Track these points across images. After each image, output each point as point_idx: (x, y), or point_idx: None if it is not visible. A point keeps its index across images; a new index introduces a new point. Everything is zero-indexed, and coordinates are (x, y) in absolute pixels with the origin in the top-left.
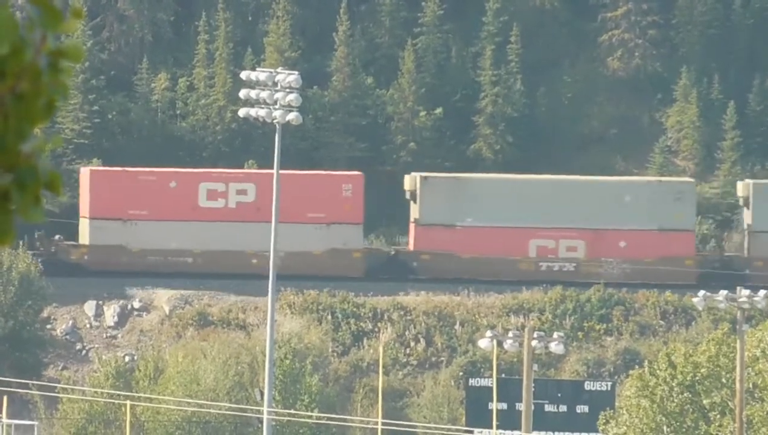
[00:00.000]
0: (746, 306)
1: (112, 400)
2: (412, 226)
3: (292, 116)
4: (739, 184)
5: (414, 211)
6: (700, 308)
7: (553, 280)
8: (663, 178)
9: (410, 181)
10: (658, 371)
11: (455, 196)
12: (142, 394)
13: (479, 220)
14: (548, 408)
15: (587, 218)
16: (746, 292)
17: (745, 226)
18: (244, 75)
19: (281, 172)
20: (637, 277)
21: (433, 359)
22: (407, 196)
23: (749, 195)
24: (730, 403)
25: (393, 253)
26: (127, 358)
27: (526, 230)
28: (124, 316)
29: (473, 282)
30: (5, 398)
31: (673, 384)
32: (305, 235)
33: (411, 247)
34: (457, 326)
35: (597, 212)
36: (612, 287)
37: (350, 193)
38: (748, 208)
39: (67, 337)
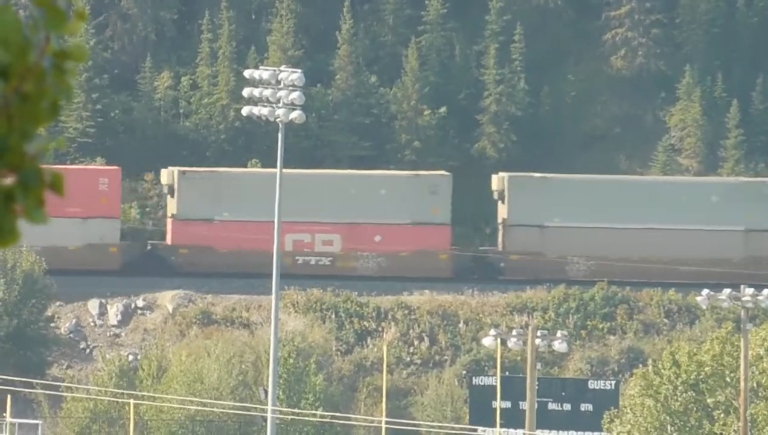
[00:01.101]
0: (750, 305)
1: (116, 399)
2: (169, 221)
3: (295, 115)
4: (494, 178)
5: (171, 205)
6: (704, 307)
7: (311, 274)
8: (419, 172)
9: (167, 175)
10: (662, 370)
11: (213, 191)
12: (145, 393)
13: (236, 214)
14: (552, 406)
15: (342, 212)
16: (750, 290)
17: (500, 220)
18: (247, 73)
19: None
20: (392, 271)
21: (437, 358)
22: (165, 190)
23: (504, 188)
24: (734, 401)
25: (150, 247)
26: (130, 357)
27: (282, 224)
28: (127, 315)
29: (229, 276)
30: (9, 397)
31: (677, 383)
32: (63, 229)
33: (169, 241)
34: (460, 325)
35: (352, 206)
36: (616, 285)
37: (107, 187)
38: (502, 201)
39: (71, 335)
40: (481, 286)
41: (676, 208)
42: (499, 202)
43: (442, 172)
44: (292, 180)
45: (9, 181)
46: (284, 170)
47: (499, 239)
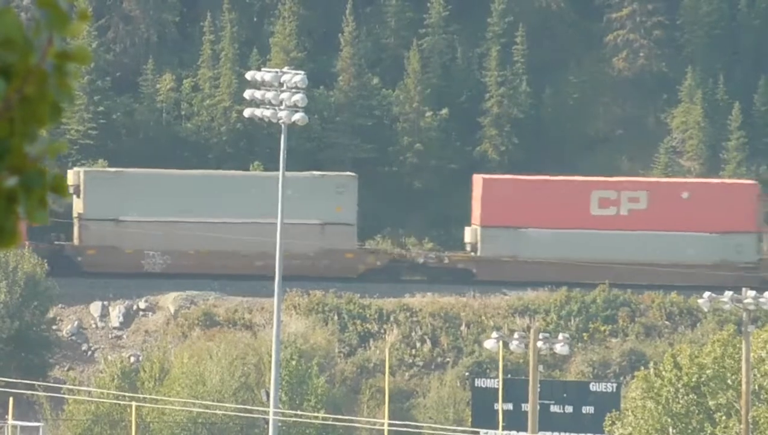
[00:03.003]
0: (752, 307)
1: (118, 401)
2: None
3: (297, 117)
4: (70, 173)
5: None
6: (706, 309)
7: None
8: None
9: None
10: (663, 372)
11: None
12: (147, 395)
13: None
14: (554, 408)
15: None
16: (752, 293)
17: (76, 215)
18: (249, 75)
19: None
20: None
21: (439, 360)
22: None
23: (80, 183)
24: (735, 404)
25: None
26: (132, 359)
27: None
28: (129, 317)
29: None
30: (11, 399)
31: (679, 385)
32: None
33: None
34: (463, 327)
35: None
36: (617, 288)
37: None
38: (78, 196)
39: (73, 337)
40: (481, 289)
41: (248, 202)
42: (75, 197)
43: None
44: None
45: (11, 182)
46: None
47: (75, 234)
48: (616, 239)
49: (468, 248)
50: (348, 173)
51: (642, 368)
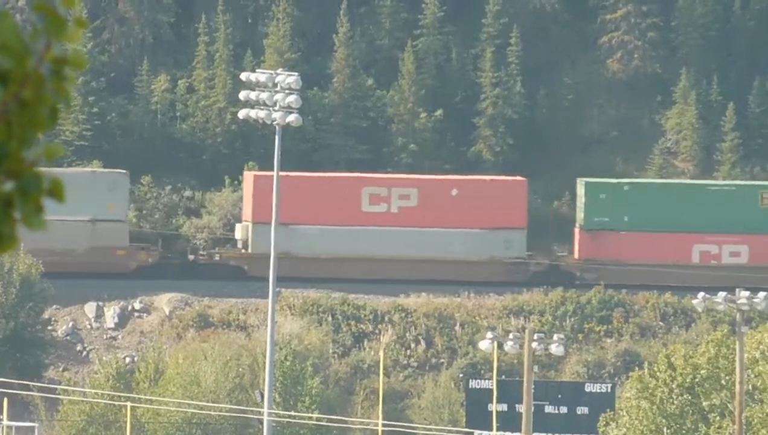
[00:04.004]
0: (745, 308)
1: (113, 402)
2: None
3: (292, 118)
4: None
5: None
6: (700, 310)
7: None
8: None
9: None
10: (657, 373)
11: None
12: (142, 396)
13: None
14: (548, 409)
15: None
16: (746, 293)
17: None
18: (243, 76)
19: None
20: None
21: (434, 361)
22: None
23: None
24: (729, 404)
25: None
26: (127, 360)
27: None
28: (124, 318)
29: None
30: (6, 400)
31: (673, 386)
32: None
33: None
34: (457, 328)
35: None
36: (612, 289)
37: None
38: None
39: (68, 338)
40: (477, 289)
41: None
42: None
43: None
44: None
45: (8, 187)
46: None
47: None
48: (386, 235)
49: (239, 245)
50: (119, 170)
51: (636, 369)
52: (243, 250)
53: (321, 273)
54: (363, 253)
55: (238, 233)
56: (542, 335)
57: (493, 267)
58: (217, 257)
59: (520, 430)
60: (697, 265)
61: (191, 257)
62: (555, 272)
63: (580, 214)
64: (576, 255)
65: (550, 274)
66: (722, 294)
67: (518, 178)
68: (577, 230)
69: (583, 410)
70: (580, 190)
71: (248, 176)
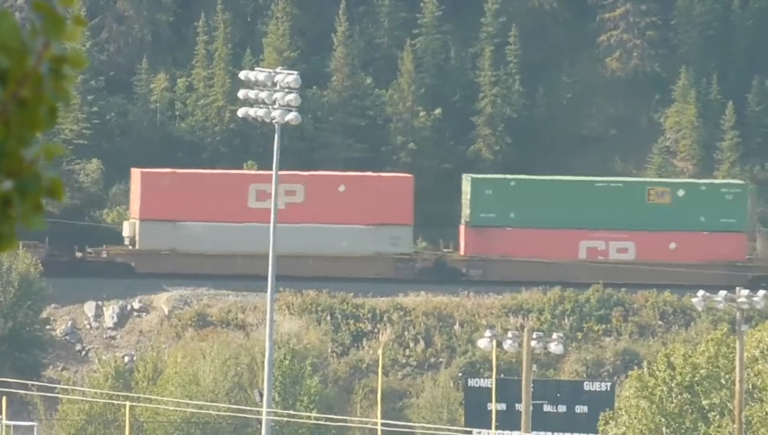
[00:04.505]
0: (745, 307)
1: (112, 401)
2: None
3: (291, 116)
4: None
5: None
6: (700, 309)
7: None
8: None
9: None
10: (657, 372)
11: None
12: (141, 395)
13: None
14: (547, 408)
15: None
16: (745, 292)
17: None
18: (242, 75)
19: None
20: None
21: (433, 360)
22: None
23: None
24: (729, 403)
25: None
26: (126, 359)
27: None
28: (123, 317)
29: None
30: (5, 399)
31: (672, 385)
32: None
33: None
34: (456, 327)
35: None
36: (611, 288)
37: None
38: None
39: (67, 337)
40: (476, 289)
41: None
42: None
43: None
44: None
45: (7, 186)
46: None
47: None
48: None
49: (127, 242)
50: None
51: (636, 368)
52: (130, 247)
53: (208, 269)
54: (249, 249)
55: (126, 231)
56: (541, 334)
57: (381, 263)
58: (104, 254)
59: (519, 429)
60: (584, 260)
61: (79, 254)
62: (441, 269)
63: (466, 211)
64: (462, 251)
65: (436, 270)
66: (722, 293)
67: (404, 174)
68: (462, 227)
69: (582, 409)
70: (466, 187)
71: (135, 173)
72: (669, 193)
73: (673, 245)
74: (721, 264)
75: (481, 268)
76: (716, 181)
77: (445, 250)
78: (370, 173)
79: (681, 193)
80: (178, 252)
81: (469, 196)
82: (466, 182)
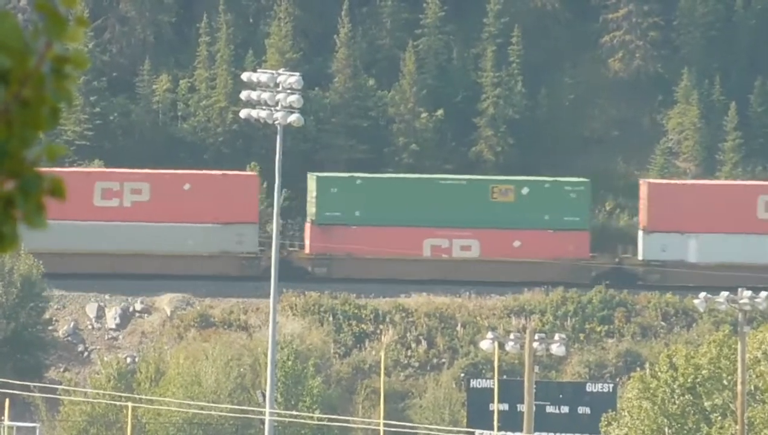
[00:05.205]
0: (747, 308)
1: (114, 402)
2: None
3: (293, 118)
4: None
5: None
6: (702, 310)
7: None
8: None
9: None
10: (659, 373)
11: None
12: (143, 396)
13: None
14: (550, 409)
15: None
16: (748, 293)
17: None
18: (245, 76)
19: None
20: None
21: (435, 361)
22: None
23: None
24: (731, 405)
25: None
26: (128, 360)
27: None
28: (125, 318)
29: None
30: (7, 400)
31: (675, 386)
32: None
33: None
34: (458, 328)
35: None
36: (613, 289)
37: None
38: None
39: (69, 338)
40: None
41: None
42: None
43: None
44: None
45: (9, 187)
46: None
47: None
48: (119, 230)
49: None
50: None
51: (638, 369)
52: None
53: (66, 268)
54: (95, 248)
55: None
56: (543, 335)
57: (226, 261)
58: None
59: (521, 430)
60: (428, 258)
61: None
62: (286, 267)
63: (311, 209)
64: (307, 249)
65: (281, 268)
66: (724, 294)
67: (250, 173)
68: (308, 225)
69: (584, 410)
70: (312, 185)
71: None
72: (513, 191)
73: (517, 243)
74: (565, 262)
75: (326, 266)
76: (560, 179)
77: (290, 249)
78: (215, 172)
79: (525, 191)
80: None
81: (314, 195)
82: (312, 181)
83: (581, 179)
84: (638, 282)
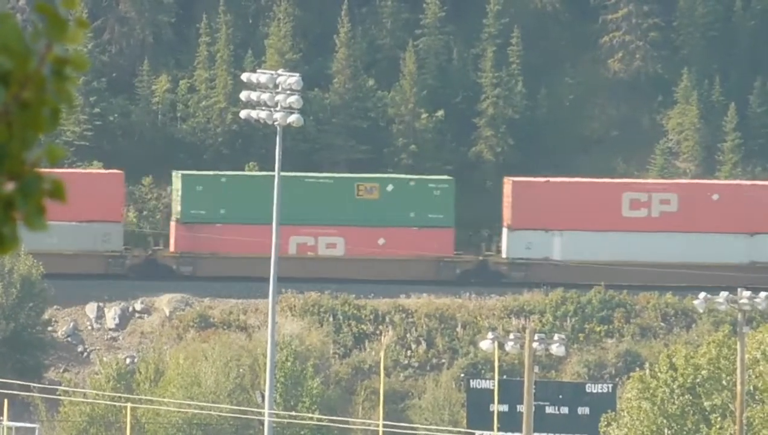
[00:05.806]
0: (747, 308)
1: (113, 403)
2: None
3: (293, 118)
4: None
5: None
6: (701, 310)
7: None
8: None
9: None
10: (658, 373)
11: None
12: (143, 397)
13: None
14: (549, 410)
15: None
16: (747, 293)
17: None
18: (244, 77)
19: None
20: None
21: (435, 361)
22: None
23: None
24: (730, 405)
25: None
26: (128, 360)
27: None
28: (125, 318)
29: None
30: (6, 401)
31: (674, 386)
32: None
33: None
34: (458, 328)
35: None
36: (613, 289)
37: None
38: None
39: (69, 339)
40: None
41: None
42: None
43: None
44: None
45: (9, 188)
46: None
47: None
48: None
49: None
50: None
51: (637, 369)
52: None
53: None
54: None
55: None
56: (543, 335)
57: (90, 260)
58: None
59: (521, 431)
60: (293, 256)
61: None
62: (152, 266)
63: (177, 207)
64: (172, 248)
65: (145, 267)
66: (724, 294)
67: (115, 171)
68: (173, 223)
69: (584, 410)
70: (177, 183)
71: None
72: (378, 188)
73: (381, 241)
74: (429, 259)
75: (191, 264)
76: (424, 177)
77: (155, 248)
78: (79, 170)
79: (390, 188)
80: None
81: (180, 193)
82: (176, 179)
83: (445, 177)
84: (502, 280)
